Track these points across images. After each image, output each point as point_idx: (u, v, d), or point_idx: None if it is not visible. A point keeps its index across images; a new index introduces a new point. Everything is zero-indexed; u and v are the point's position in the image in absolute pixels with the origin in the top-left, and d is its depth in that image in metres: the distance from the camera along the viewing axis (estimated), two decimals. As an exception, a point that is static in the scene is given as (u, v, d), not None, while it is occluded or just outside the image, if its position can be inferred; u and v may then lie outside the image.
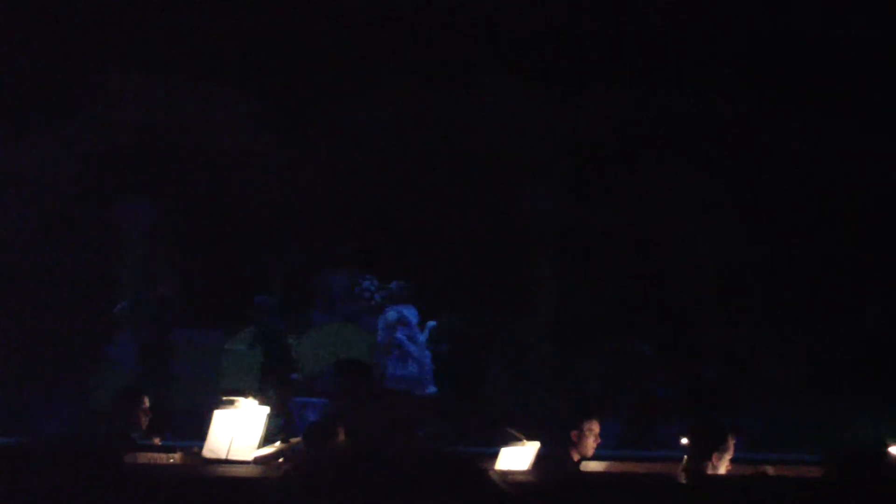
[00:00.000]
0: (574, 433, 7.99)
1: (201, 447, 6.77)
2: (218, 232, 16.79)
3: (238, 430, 6.72)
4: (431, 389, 15.19)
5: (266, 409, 6.88)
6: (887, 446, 6.17)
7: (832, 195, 16.56)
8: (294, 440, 7.83)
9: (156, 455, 6.75)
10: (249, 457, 6.72)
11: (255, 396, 6.89)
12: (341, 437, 7.75)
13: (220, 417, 6.74)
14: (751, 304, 16.51)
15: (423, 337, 15.58)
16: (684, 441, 7.11)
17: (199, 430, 6.82)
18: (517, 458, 7.79)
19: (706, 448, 6.69)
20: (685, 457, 6.96)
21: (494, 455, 7.95)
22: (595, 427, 8.09)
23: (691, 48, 16.66)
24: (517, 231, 17.28)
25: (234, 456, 6.65)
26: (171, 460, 6.77)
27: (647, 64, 16.81)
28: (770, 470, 7.95)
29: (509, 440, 7.87)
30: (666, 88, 16.88)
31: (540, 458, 7.88)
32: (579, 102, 17.12)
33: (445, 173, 17.23)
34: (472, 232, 16.98)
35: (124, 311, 14.61)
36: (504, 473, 7.15)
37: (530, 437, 7.93)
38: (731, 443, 6.78)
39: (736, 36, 16.69)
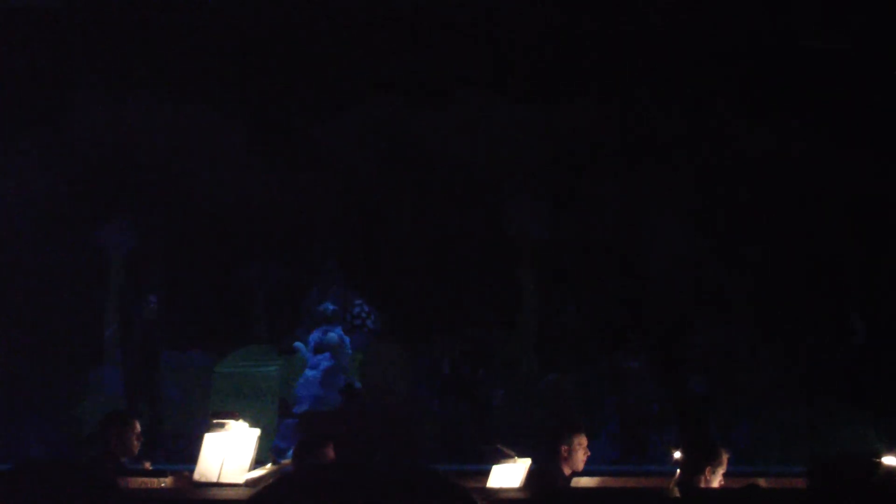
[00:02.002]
0: (564, 448, 7.96)
1: (192, 471, 6.74)
2: (200, 252, 16.76)
3: (229, 453, 6.69)
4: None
5: (257, 432, 6.86)
6: (877, 456, 6.17)
7: (818, 204, 16.61)
8: (285, 462, 7.81)
9: (147, 479, 6.71)
10: (241, 479, 6.69)
11: (244, 419, 6.87)
12: (331, 453, 7.74)
13: (210, 440, 6.71)
14: (738, 316, 16.53)
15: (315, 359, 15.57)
16: (676, 455, 7.10)
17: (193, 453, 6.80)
18: (508, 475, 7.77)
19: (699, 462, 6.68)
20: (678, 471, 6.95)
21: (484, 473, 7.93)
22: (584, 440, 8.06)
23: (675, 58, 16.70)
24: (502, 249, 17.29)
25: (225, 479, 6.62)
26: (163, 484, 6.74)
27: (630, 76, 16.84)
28: (762, 482, 7.94)
29: (500, 458, 7.85)
30: (650, 100, 16.92)
31: (531, 475, 7.85)
32: (564, 116, 17.14)
33: (428, 190, 17.24)
34: (455, 248, 16.98)
35: (115, 333, 14.55)
36: (491, 493, 7.14)
37: (521, 455, 7.91)
38: (725, 458, 6.77)
39: (720, 45, 16.73)
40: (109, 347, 15.09)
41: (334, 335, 15.25)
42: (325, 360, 15.12)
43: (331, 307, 15.31)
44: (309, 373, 15.20)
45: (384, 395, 14.90)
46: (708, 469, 6.65)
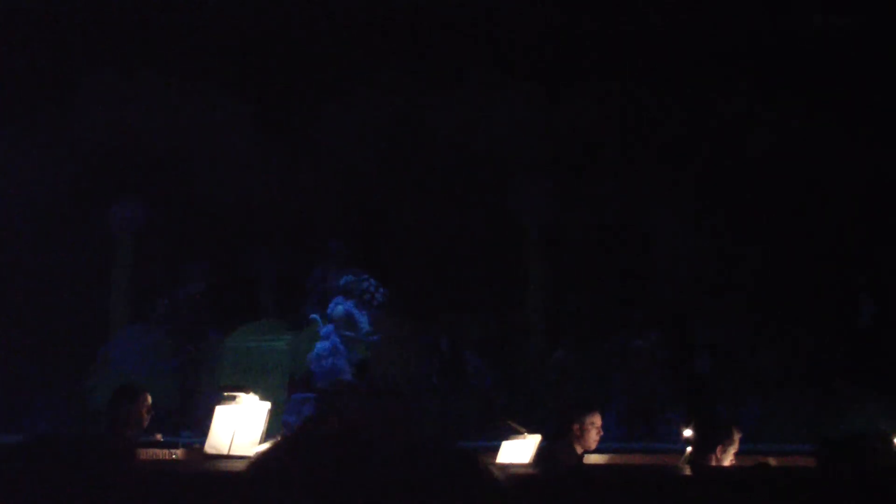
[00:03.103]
0: (576, 426, 7.95)
1: (203, 443, 6.74)
2: (209, 231, 16.77)
3: (240, 426, 6.70)
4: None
5: (267, 405, 6.86)
6: (885, 435, 6.16)
7: (826, 189, 16.58)
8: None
9: (158, 451, 6.72)
10: (251, 452, 6.69)
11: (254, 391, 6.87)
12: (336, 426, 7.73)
13: (221, 413, 6.72)
14: (745, 296, 16.51)
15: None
16: (687, 433, 7.10)
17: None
18: (518, 451, 7.78)
19: (710, 441, 6.68)
20: (688, 449, 6.94)
21: (494, 448, 7.94)
22: (597, 420, 8.05)
23: (684, 45, 16.67)
24: (510, 229, 17.28)
25: (235, 451, 6.63)
26: (174, 456, 6.75)
27: (640, 61, 16.81)
28: (772, 461, 7.94)
29: (510, 434, 7.86)
30: (659, 86, 16.89)
31: (542, 452, 7.86)
32: (571, 99, 17.11)
33: (436, 172, 17.22)
34: (463, 230, 16.97)
35: (165, 308, 14.53)
36: (505, 468, 7.14)
37: (531, 431, 7.92)
38: (737, 437, 6.76)
39: (730, 33, 16.71)
40: (158, 321, 15.05)
41: (341, 308, 15.20)
42: (333, 332, 15.09)
43: (346, 278, 15.25)
44: (319, 345, 15.19)
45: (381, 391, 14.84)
46: (719, 448, 6.64)
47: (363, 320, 14.96)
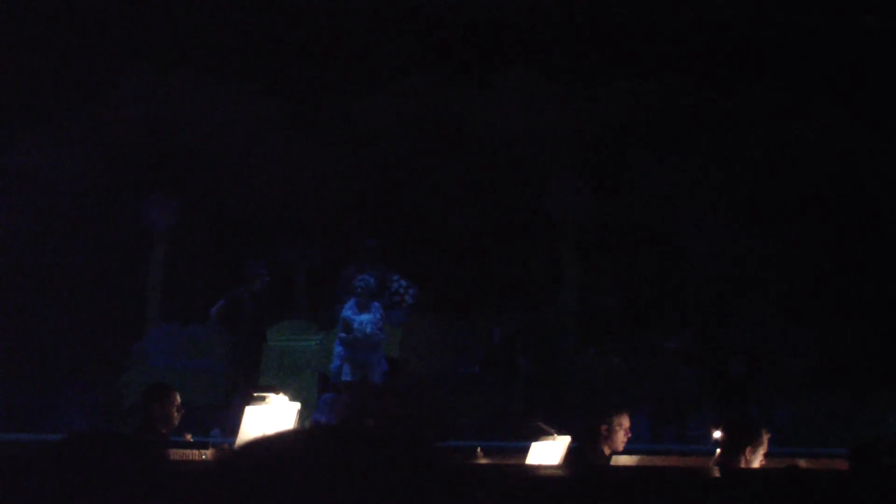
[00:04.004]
0: (604, 427, 7.95)
1: (232, 443, 6.77)
2: (238, 228, 16.84)
3: (269, 426, 6.72)
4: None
5: (297, 405, 6.89)
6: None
7: (865, 189, 16.47)
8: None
9: (188, 451, 6.76)
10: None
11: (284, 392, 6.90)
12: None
13: (251, 413, 6.75)
14: (780, 297, 16.43)
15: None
16: (716, 435, 7.09)
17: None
18: (548, 452, 7.78)
19: (740, 442, 6.67)
20: (717, 451, 6.94)
21: (523, 450, 7.94)
22: (625, 421, 8.06)
23: (722, 42, 16.59)
24: (541, 227, 17.26)
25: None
26: (204, 456, 6.78)
27: (672, 56, 16.75)
28: (802, 463, 7.92)
29: (540, 435, 7.85)
30: (692, 81, 16.82)
31: (570, 453, 7.86)
32: (604, 96, 17.08)
33: (468, 169, 17.23)
34: (495, 228, 16.96)
35: (220, 310, 14.58)
36: (530, 469, 7.15)
37: (560, 432, 7.92)
38: (766, 437, 6.75)
39: (766, 26, 16.60)
40: (214, 323, 15.07)
41: (345, 309, 15.14)
42: (339, 334, 15.10)
43: (361, 280, 15.18)
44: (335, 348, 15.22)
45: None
46: (749, 449, 6.64)
47: (363, 319, 14.89)
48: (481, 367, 16.10)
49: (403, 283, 16.45)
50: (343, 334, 14.85)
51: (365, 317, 14.78)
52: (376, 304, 15.12)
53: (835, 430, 14.47)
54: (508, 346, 16.12)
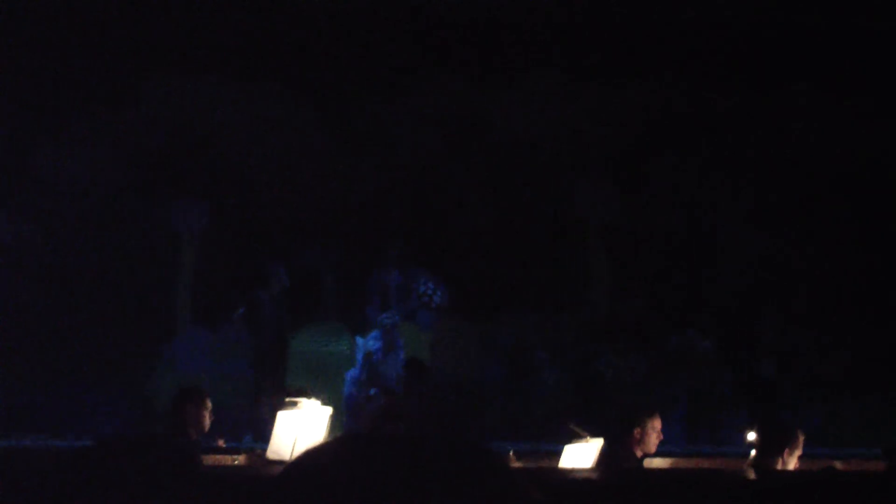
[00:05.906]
0: (637, 430, 7.91)
1: (265, 449, 6.75)
2: (267, 231, 16.85)
3: (302, 431, 6.70)
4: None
5: (329, 410, 6.86)
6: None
7: (893, 191, 16.36)
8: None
9: (221, 457, 6.74)
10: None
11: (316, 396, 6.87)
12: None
13: (283, 419, 6.73)
14: (812, 299, 16.33)
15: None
16: (751, 437, 7.03)
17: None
18: (581, 455, 7.73)
19: (777, 444, 6.62)
20: (752, 453, 6.88)
21: (556, 453, 7.90)
22: (658, 424, 8.01)
23: (751, 43, 16.52)
24: (569, 229, 17.21)
25: (298, 457, 6.62)
26: (236, 462, 6.76)
27: (699, 58, 16.68)
28: (838, 465, 7.86)
29: (573, 437, 7.82)
30: (718, 83, 16.75)
31: (603, 456, 7.82)
32: (630, 97, 17.03)
33: (495, 171, 17.20)
34: (522, 230, 16.93)
35: (242, 316, 14.62)
36: (564, 472, 7.10)
37: (593, 434, 7.88)
38: (801, 439, 6.70)
39: (790, 29, 16.52)
40: (237, 326, 15.11)
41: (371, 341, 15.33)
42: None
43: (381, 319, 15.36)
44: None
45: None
46: (786, 451, 6.59)
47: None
48: (509, 369, 16.05)
49: (431, 285, 16.42)
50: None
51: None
52: (400, 342, 15.31)
53: (865, 432, 14.38)
54: (537, 348, 16.07)
